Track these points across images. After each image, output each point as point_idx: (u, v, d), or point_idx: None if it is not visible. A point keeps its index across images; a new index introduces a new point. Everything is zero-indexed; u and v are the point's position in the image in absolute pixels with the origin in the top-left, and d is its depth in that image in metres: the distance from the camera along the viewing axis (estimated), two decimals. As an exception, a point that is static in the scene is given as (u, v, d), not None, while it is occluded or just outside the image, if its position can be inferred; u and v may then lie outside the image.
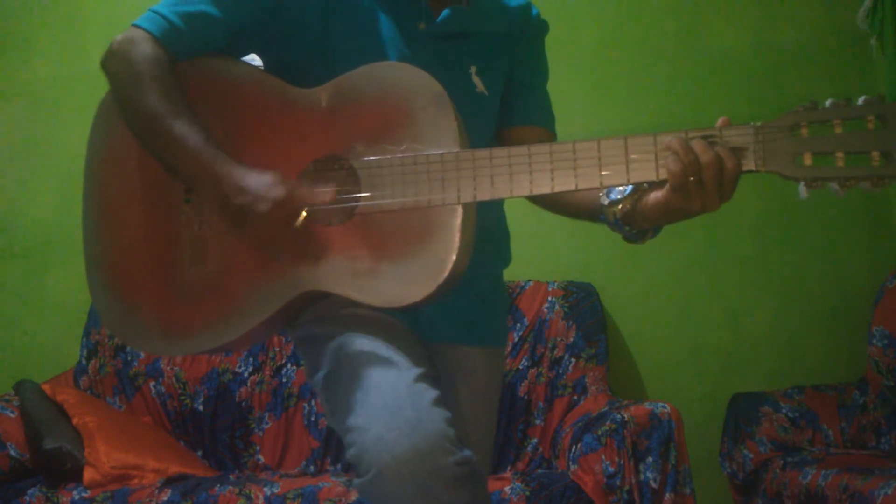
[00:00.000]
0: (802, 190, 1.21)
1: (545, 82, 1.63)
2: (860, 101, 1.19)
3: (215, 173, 1.30)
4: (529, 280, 3.15)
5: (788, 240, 3.36)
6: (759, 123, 1.23)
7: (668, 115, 3.40)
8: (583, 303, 3.12)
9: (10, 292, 3.36)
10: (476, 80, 1.50)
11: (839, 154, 1.20)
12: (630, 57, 3.45)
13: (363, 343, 1.33)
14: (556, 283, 3.16)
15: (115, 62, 1.38)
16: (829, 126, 1.20)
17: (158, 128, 1.33)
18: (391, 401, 1.22)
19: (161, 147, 1.35)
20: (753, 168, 1.22)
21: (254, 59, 1.49)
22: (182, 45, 1.39)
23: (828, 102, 1.20)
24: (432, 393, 1.26)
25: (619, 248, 3.24)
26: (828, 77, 3.43)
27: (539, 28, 1.61)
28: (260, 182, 1.28)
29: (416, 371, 1.29)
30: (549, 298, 3.12)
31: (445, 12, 1.48)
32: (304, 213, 1.30)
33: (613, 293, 3.29)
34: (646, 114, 3.40)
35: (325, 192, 1.32)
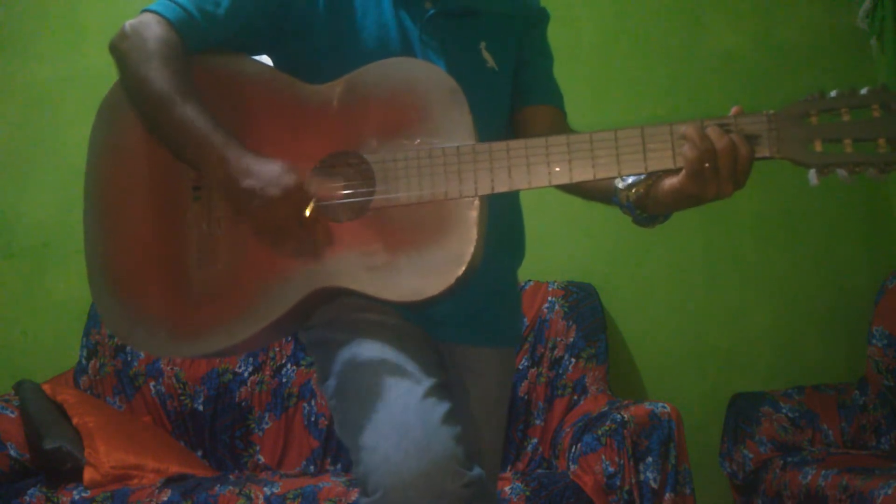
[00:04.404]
0: (813, 176, 1.24)
1: (552, 64, 1.62)
2: (863, 91, 1.22)
3: (223, 155, 1.28)
4: (529, 280, 3.15)
5: (788, 239, 3.36)
6: (771, 112, 1.25)
7: (669, 115, 3.40)
8: (583, 303, 3.12)
9: (10, 292, 3.36)
10: (486, 55, 1.49)
11: (847, 141, 1.22)
12: (630, 57, 3.45)
13: (373, 353, 1.31)
14: (556, 283, 3.16)
15: (127, 43, 1.36)
16: (836, 114, 1.23)
17: (168, 109, 1.31)
18: (400, 419, 1.21)
19: (168, 128, 1.33)
20: (768, 154, 1.25)
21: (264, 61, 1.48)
22: (195, 34, 1.38)
23: (833, 92, 1.23)
24: (442, 408, 1.24)
25: (619, 248, 3.28)
26: (828, 77, 3.42)
27: (541, 15, 1.62)
28: (270, 168, 1.28)
29: (428, 383, 1.27)
30: (549, 298, 3.12)
31: None
32: (312, 204, 1.28)
33: (613, 293, 3.29)
34: (646, 113, 3.40)
35: (335, 186, 1.31)
